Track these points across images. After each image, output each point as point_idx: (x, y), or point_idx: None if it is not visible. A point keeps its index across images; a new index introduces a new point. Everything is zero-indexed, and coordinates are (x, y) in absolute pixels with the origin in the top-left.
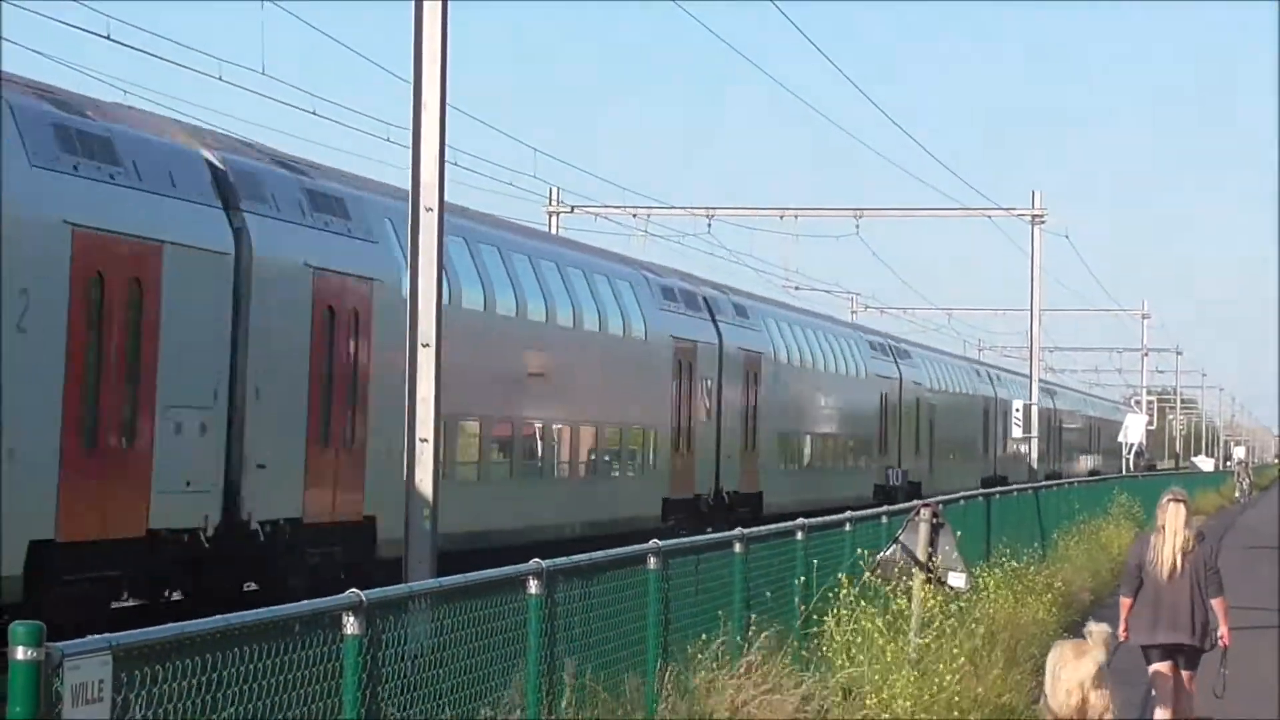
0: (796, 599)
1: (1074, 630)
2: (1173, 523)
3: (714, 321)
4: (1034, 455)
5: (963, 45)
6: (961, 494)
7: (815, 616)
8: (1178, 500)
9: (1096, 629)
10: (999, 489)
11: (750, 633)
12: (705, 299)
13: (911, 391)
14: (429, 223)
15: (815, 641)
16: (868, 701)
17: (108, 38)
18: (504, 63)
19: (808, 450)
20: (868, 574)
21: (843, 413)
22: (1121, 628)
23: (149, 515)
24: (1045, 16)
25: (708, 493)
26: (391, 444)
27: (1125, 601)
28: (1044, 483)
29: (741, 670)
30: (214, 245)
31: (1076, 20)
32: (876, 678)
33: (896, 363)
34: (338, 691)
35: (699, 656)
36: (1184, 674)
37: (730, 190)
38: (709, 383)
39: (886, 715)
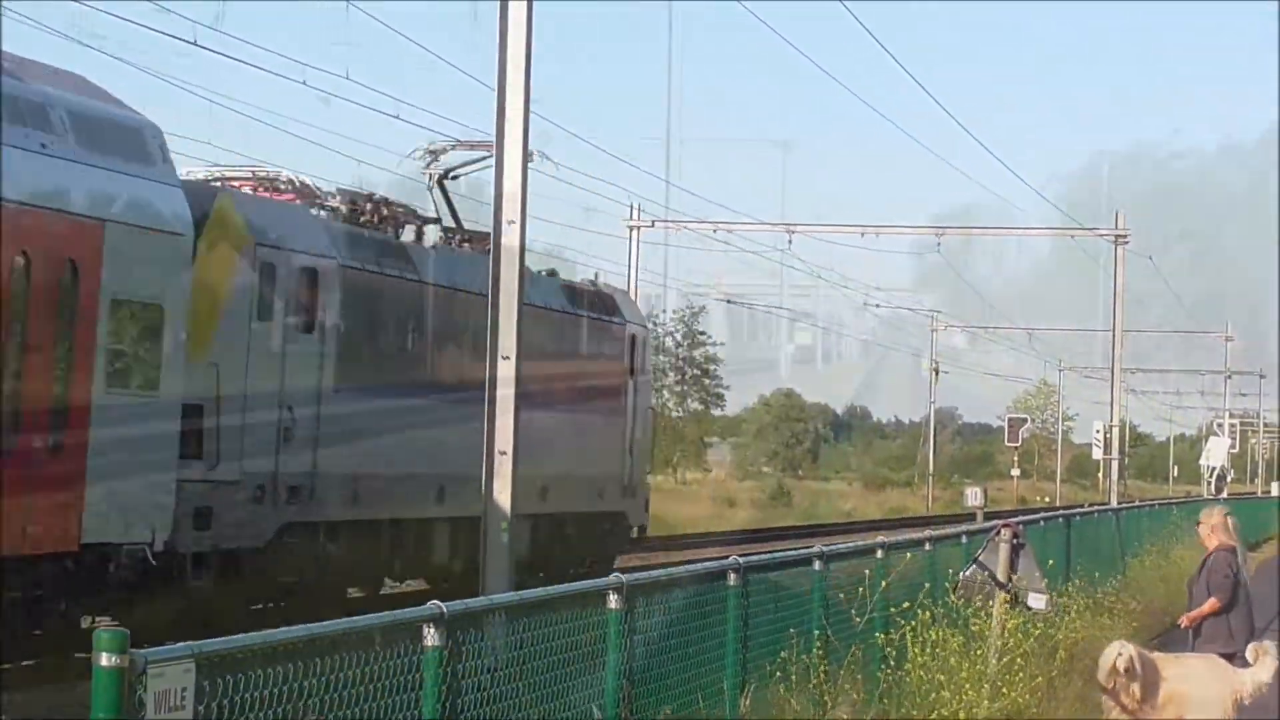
0: (874, 617)
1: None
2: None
3: None
4: (1114, 476)
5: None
6: (1042, 514)
7: (893, 636)
8: (1228, 514)
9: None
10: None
11: (827, 650)
12: None
13: None
14: (511, 236)
15: (892, 662)
16: None
17: (194, 43)
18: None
19: None
20: (951, 595)
21: None
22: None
23: None
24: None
25: None
26: None
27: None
28: (1117, 505)
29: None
30: None
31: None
32: (951, 698)
33: None
34: (418, 703)
35: (777, 675)
36: None
37: (811, 206)
38: None
39: None
